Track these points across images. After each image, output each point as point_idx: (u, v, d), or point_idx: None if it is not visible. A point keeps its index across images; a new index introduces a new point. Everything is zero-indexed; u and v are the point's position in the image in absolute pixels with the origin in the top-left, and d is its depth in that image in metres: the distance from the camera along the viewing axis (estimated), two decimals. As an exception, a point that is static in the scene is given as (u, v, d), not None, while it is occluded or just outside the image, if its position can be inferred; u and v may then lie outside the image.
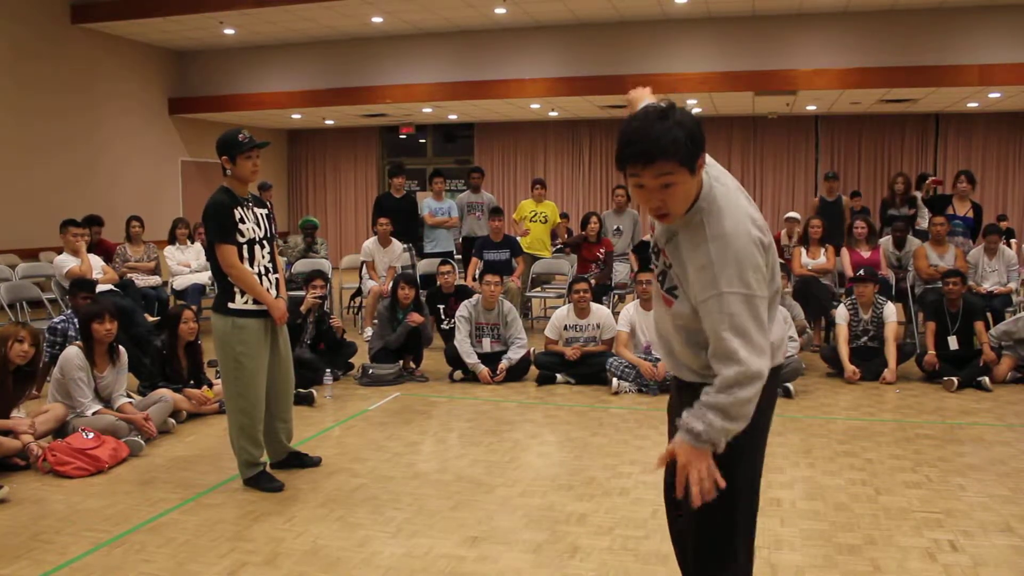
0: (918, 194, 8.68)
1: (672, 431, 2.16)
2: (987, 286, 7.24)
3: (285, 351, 4.12)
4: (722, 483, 1.91)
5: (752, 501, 2.16)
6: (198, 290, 8.21)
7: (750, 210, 2.00)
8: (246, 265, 3.88)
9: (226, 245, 3.84)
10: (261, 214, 4.01)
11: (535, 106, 13.48)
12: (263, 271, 3.95)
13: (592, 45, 11.69)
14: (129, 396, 4.97)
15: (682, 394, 2.17)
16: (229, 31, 11.93)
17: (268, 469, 4.10)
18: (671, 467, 2.03)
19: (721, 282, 1.89)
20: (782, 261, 7.72)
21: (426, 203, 9.12)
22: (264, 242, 3.98)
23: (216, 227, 3.85)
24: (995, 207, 13.60)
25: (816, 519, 3.58)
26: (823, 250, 7.79)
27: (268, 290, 3.95)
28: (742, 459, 2.05)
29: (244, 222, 3.88)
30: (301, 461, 4.28)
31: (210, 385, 5.51)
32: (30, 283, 7.74)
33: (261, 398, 3.98)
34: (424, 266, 8.85)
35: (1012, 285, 7.30)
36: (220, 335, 3.93)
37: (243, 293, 3.87)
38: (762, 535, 3.39)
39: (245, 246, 3.88)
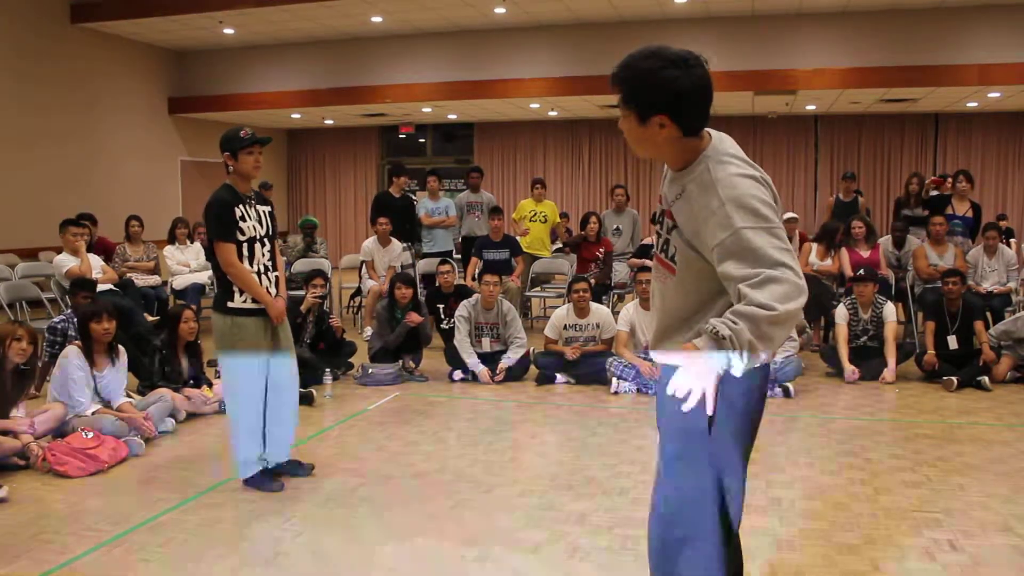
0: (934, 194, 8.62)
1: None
2: (987, 286, 7.24)
3: (285, 353, 4.08)
4: (711, 407, 1.82)
5: (726, 489, 2.06)
6: (198, 290, 8.21)
7: (754, 169, 1.99)
8: (245, 263, 3.86)
9: (225, 243, 3.83)
10: (264, 211, 4.00)
11: (535, 106, 13.48)
12: (262, 269, 3.93)
13: (592, 45, 11.69)
14: (129, 396, 4.97)
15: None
16: (229, 31, 11.92)
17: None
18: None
19: (736, 220, 1.84)
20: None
21: (422, 204, 9.11)
22: (265, 240, 3.96)
23: (216, 225, 3.84)
24: (994, 207, 13.60)
25: (816, 518, 3.58)
26: (833, 253, 7.77)
27: (267, 288, 3.93)
28: (721, 436, 1.99)
29: (245, 220, 3.87)
30: (295, 471, 4.18)
31: (210, 385, 5.50)
32: (30, 283, 7.73)
33: (260, 396, 3.96)
34: (424, 266, 8.85)
35: (1012, 285, 7.31)
36: (220, 334, 3.92)
37: (242, 292, 3.86)
38: (762, 535, 3.39)
39: (245, 244, 3.87)
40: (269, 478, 4.01)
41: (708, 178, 1.93)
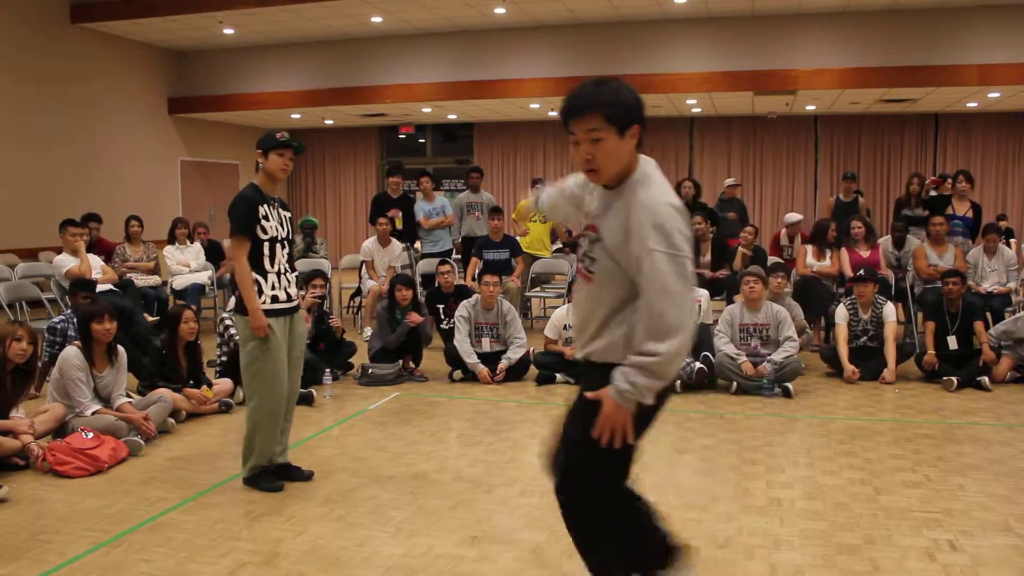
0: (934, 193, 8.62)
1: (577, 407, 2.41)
2: (986, 286, 7.24)
3: (298, 354, 4.11)
4: (631, 439, 2.26)
5: (625, 463, 2.48)
6: (197, 290, 8.22)
7: (675, 198, 2.25)
8: (266, 263, 3.90)
9: (239, 237, 3.86)
10: (285, 216, 4.06)
11: (534, 106, 13.48)
12: (282, 270, 3.97)
13: (592, 45, 11.70)
14: (128, 396, 4.97)
15: (592, 375, 2.33)
16: (228, 31, 11.93)
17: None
18: (573, 411, 2.41)
19: (650, 241, 2.11)
20: (781, 261, 7.75)
21: (418, 206, 9.09)
22: (284, 242, 4.01)
23: (234, 219, 3.88)
24: (994, 207, 13.60)
25: (815, 519, 3.58)
26: (829, 252, 7.78)
27: (285, 289, 3.96)
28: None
29: (268, 219, 3.92)
30: (291, 474, 4.14)
31: (210, 385, 5.51)
32: (29, 283, 7.73)
33: (283, 396, 3.97)
34: (424, 266, 8.85)
35: (1012, 285, 7.30)
36: (242, 335, 3.93)
37: (260, 292, 3.87)
38: (762, 535, 3.40)
39: (267, 243, 3.90)
40: (270, 478, 4.00)
41: (634, 199, 2.19)
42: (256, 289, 3.86)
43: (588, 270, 2.31)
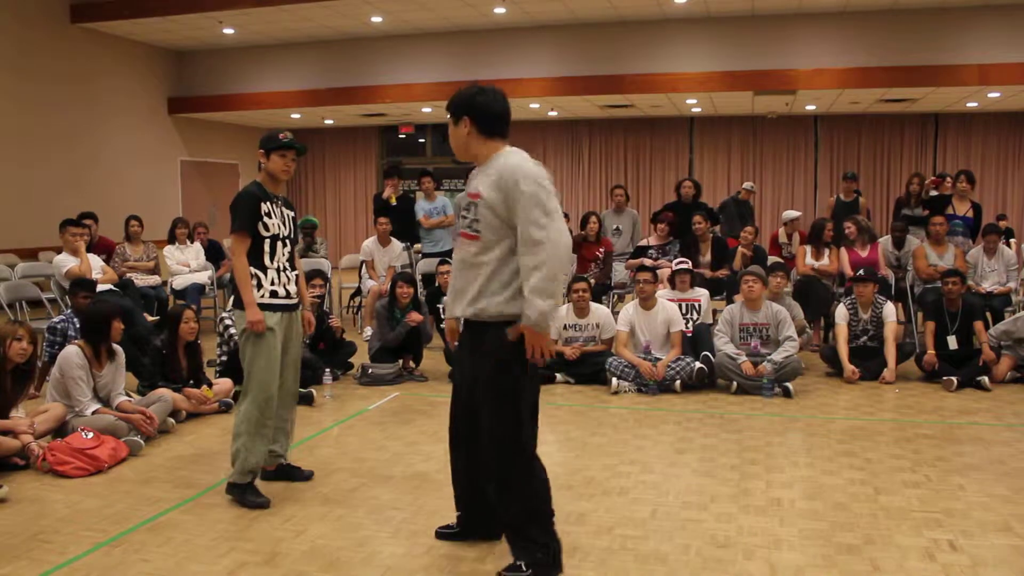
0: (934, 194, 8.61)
1: (462, 371, 3.12)
2: (986, 286, 7.24)
3: (295, 353, 4.07)
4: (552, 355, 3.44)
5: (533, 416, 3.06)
6: (197, 290, 8.21)
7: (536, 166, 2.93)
8: (266, 259, 3.88)
9: (238, 234, 3.85)
10: (288, 215, 4.04)
11: (534, 106, 13.48)
12: (282, 267, 3.94)
13: (591, 45, 11.70)
14: (128, 395, 4.97)
15: (473, 335, 2.99)
16: (228, 31, 11.93)
17: (257, 480, 3.93)
18: (457, 411, 3.14)
19: (521, 183, 2.80)
20: (781, 260, 7.75)
21: (419, 206, 9.10)
22: (287, 240, 4.00)
23: (235, 215, 3.86)
24: (994, 207, 13.60)
25: (815, 519, 3.58)
26: (827, 251, 7.78)
27: (284, 286, 3.93)
28: (525, 389, 2.96)
29: (271, 216, 3.90)
30: (291, 475, 4.13)
31: (210, 385, 5.51)
32: (29, 283, 7.73)
33: (272, 397, 3.91)
34: (424, 265, 8.84)
35: (1011, 285, 7.30)
36: (242, 329, 3.88)
37: (259, 286, 3.85)
38: (761, 534, 3.40)
39: (268, 240, 3.88)
40: (255, 492, 3.84)
41: (499, 163, 2.91)
42: (255, 283, 3.84)
43: (473, 229, 2.92)
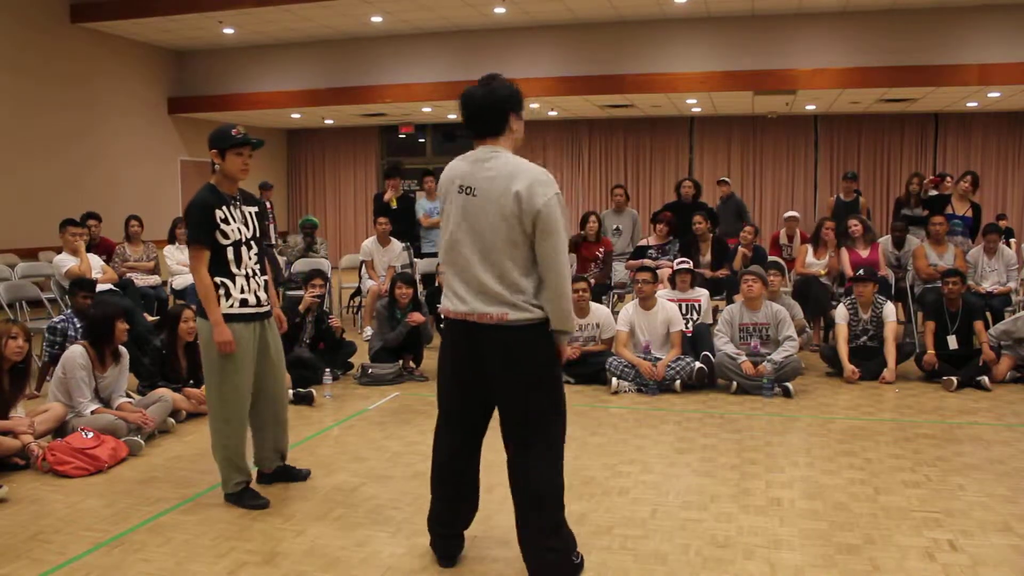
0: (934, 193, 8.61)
1: (459, 375, 3.57)
2: (986, 286, 7.23)
3: (277, 357, 3.92)
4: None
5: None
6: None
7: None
8: (232, 267, 3.68)
9: (196, 247, 3.63)
10: (249, 212, 3.78)
11: (534, 106, 13.47)
12: (250, 273, 3.74)
13: (591, 45, 11.69)
14: (129, 396, 4.97)
15: (493, 339, 3.21)
16: (228, 30, 11.92)
17: (254, 483, 3.91)
18: (441, 456, 3.55)
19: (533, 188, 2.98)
20: (780, 260, 7.75)
21: (420, 204, 9.10)
22: (252, 243, 3.75)
23: (191, 226, 3.66)
24: (994, 207, 13.60)
25: (815, 519, 3.58)
26: (828, 251, 7.77)
27: (255, 293, 3.75)
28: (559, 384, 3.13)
29: (228, 222, 3.65)
30: (290, 475, 4.09)
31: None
32: (29, 283, 7.73)
33: (245, 410, 3.77)
34: (424, 265, 8.85)
35: (1011, 285, 7.30)
36: (205, 340, 3.69)
37: (228, 296, 3.66)
38: (761, 534, 3.40)
39: (230, 248, 3.66)
40: (253, 495, 3.80)
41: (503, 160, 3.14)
42: (223, 293, 3.64)
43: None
